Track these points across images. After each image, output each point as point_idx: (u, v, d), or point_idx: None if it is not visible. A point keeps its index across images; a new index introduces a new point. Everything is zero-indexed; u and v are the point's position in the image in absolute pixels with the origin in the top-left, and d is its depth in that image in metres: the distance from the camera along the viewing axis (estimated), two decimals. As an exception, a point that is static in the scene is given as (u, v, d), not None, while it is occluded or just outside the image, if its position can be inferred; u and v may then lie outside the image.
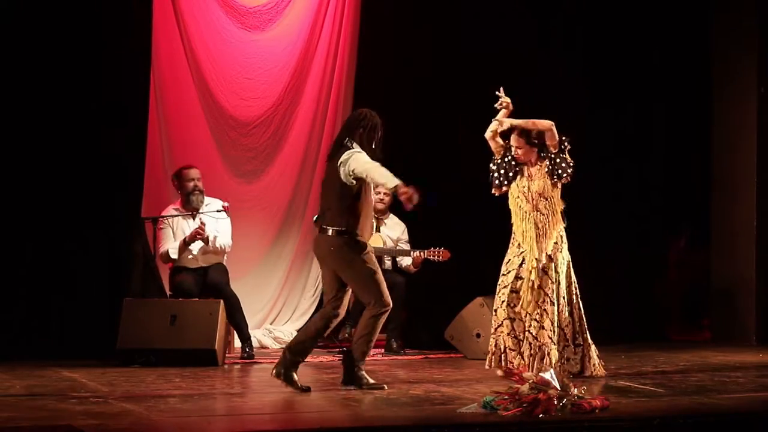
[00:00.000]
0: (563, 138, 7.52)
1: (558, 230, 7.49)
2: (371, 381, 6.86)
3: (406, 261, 9.43)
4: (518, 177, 7.56)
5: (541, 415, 5.59)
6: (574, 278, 7.53)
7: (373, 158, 6.87)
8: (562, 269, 7.39)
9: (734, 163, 10.35)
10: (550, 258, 7.38)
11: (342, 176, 6.77)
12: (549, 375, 5.81)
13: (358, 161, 6.74)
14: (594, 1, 10.48)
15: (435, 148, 10.01)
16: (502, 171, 7.60)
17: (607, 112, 10.52)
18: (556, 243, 7.44)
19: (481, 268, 9.87)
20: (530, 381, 5.77)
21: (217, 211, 8.87)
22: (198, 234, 8.65)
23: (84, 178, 8.70)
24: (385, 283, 6.89)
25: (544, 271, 7.33)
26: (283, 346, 9.60)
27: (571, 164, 7.50)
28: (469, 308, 9.03)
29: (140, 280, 8.75)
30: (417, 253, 9.23)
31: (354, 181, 6.77)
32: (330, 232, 6.80)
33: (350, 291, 6.99)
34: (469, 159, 9.95)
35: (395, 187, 6.61)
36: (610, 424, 5.63)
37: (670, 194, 10.76)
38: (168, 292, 8.81)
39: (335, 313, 6.91)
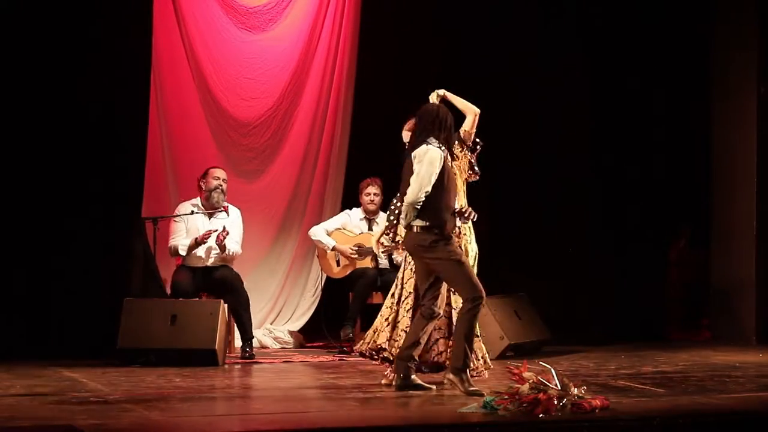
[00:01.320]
0: (477, 140, 7.25)
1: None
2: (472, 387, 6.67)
3: (400, 257, 9.42)
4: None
5: (541, 415, 5.59)
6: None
7: (451, 155, 6.86)
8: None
9: (734, 163, 10.35)
10: None
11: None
12: (549, 375, 5.81)
13: (419, 167, 6.65)
14: (595, 1, 10.48)
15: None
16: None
17: (607, 112, 10.53)
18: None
19: (481, 268, 9.90)
20: (530, 381, 5.77)
21: (218, 211, 8.89)
22: (217, 240, 8.69)
23: (84, 178, 8.70)
24: (474, 271, 6.83)
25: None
26: (284, 346, 9.65)
27: (475, 166, 7.24)
28: (469, 308, 9.02)
29: (140, 280, 8.76)
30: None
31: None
32: (416, 229, 6.69)
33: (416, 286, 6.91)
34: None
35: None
36: (610, 424, 5.63)
37: (670, 194, 10.76)
38: (168, 292, 8.82)
39: (432, 310, 6.79)
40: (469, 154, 7.25)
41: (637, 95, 10.58)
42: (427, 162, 6.64)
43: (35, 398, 6.38)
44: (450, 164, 6.85)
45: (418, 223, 6.69)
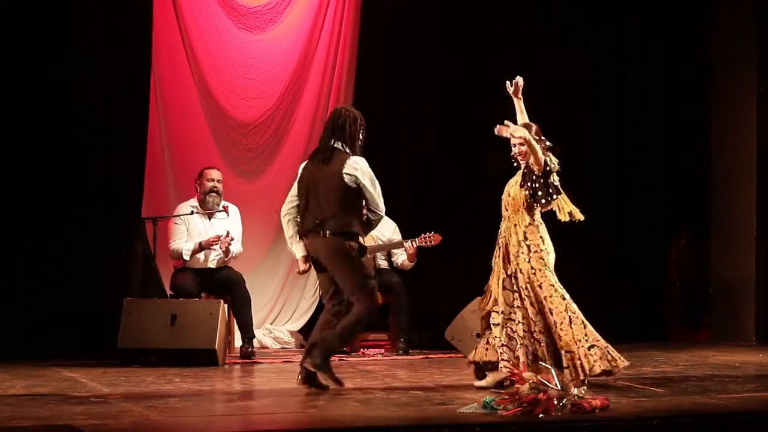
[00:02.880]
0: (548, 166, 7.05)
1: (522, 238, 7.06)
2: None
3: (401, 258, 9.42)
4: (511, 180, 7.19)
5: (541, 415, 5.59)
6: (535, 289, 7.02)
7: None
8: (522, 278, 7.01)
9: (734, 163, 10.36)
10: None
11: (347, 181, 6.65)
12: (549, 375, 5.81)
13: (366, 178, 6.66)
14: (595, 1, 10.48)
15: (435, 148, 10.02)
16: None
17: (607, 112, 10.53)
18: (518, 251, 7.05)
19: (481, 268, 9.89)
20: (530, 381, 5.77)
21: (218, 211, 8.91)
22: (222, 246, 8.71)
23: (84, 178, 8.70)
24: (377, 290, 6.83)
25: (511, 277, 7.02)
26: (284, 346, 9.65)
27: (550, 196, 7.05)
28: (469, 308, 9.02)
29: (140, 280, 8.76)
30: (408, 243, 9.21)
31: (356, 186, 6.69)
32: (335, 236, 6.66)
33: None
34: (469, 158, 9.98)
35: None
36: (610, 424, 5.62)
37: (670, 194, 10.76)
38: (168, 292, 8.83)
39: (336, 312, 6.81)
40: (532, 183, 7.06)
41: (637, 95, 10.57)
42: (369, 173, 6.66)
43: (35, 398, 6.38)
44: None
45: (337, 231, 6.65)
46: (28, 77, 8.58)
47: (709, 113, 10.59)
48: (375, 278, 6.89)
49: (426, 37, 9.98)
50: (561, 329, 6.72)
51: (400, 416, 5.82)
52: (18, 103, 8.58)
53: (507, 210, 7.11)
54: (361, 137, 6.80)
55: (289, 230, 6.88)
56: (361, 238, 6.73)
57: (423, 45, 9.95)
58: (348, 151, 6.71)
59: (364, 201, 6.72)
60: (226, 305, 8.49)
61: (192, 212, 8.87)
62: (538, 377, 5.79)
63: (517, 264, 6.98)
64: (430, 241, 9.20)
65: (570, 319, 6.78)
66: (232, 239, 8.79)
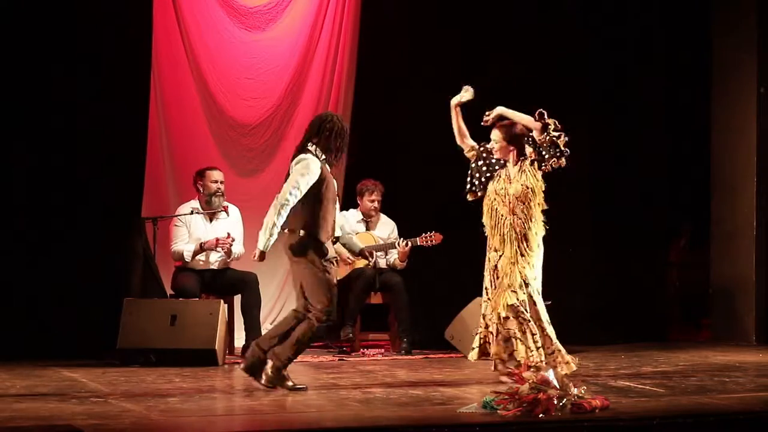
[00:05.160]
0: (554, 134, 7.21)
1: (534, 236, 7.20)
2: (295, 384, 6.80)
3: (392, 257, 9.43)
4: (495, 179, 7.34)
5: (541, 415, 5.59)
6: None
7: (330, 165, 6.87)
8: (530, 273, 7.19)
9: (734, 163, 10.35)
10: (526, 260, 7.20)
11: None
12: (549, 375, 5.81)
13: (292, 177, 6.75)
14: (595, 1, 10.48)
15: (435, 148, 10.01)
16: (477, 175, 7.40)
17: (607, 111, 10.52)
18: (527, 248, 7.18)
19: (481, 268, 9.88)
20: (530, 381, 5.77)
21: (218, 211, 8.91)
22: (223, 247, 8.71)
23: (84, 178, 8.70)
24: (336, 297, 6.83)
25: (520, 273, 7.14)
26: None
27: (560, 151, 7.18)
28: (469, 308, 9.03)
29: (140, 280, 8.76)
30: (401, 243, 9.21)
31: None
32: (288, 233, 6.79)
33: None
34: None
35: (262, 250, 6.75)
36: (610, 424, 5.62)
37: (670, 194, 10.76)
38: (169, 292, 8.83)
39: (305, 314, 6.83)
40: (538, 149, 7.19)
41: (637, 95, 10.57)
42: (301, 166, 6.74)
43: (35, 398, 6.38)
44: (330, 175, 6.87)
45: (295, 228, 6.75)
46: (28, 77, 8.58)
47: (709, 113, 10.59)
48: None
49: (426, 36, 9.97)
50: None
51: (400, 416, 5.82)
52: (18, 103, 8.57)
53: (506, 207, 7.16)
54: (336, 146, 6.88)
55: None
56: (314, 238, 6.73)
57: (423, 45, 9.95)
58: (315, 153, 6.79)
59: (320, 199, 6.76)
60: (226, 305, 8.49)
61: (192, 212, 8.87)
62: (538, 377, 5.79)
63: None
64: (431, 241, 9.20)
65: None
66: (233, 240, 8.81)
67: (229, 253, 8.84)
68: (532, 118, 7.22)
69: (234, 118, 9.83)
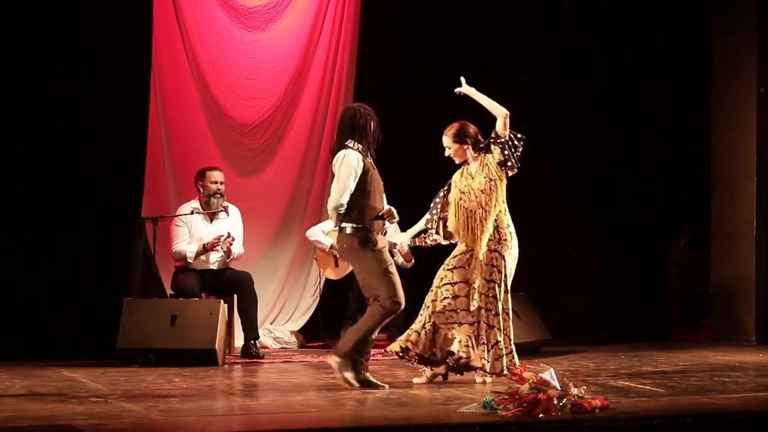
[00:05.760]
0: (517, 134, 7.25)
1: (505, 227, 7.23)
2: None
3: (400, 259, 9.42)
4: (458, 179, 7.37)
5: (541, 415, 5.59)
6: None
7: (371, 156, 6.92)
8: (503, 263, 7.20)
9: (734, 163, 10.35)
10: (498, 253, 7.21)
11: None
12: (549, 375, 5.81)
13: (338, 173, 6.78)
14: (595, 2, 10.48)
15: (435, 148, 10.01)
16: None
17: (607, 111, 10.53)
18: (500, 239, 7.20)
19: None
20: (530, 381, 5.77)
21: (218, 211, 8.92)
22: (224, 247, 8.72)
23: (84, 178, 8.70)
24: (399, 282, 6.87)
25: (492, 266, 7.17)
26: (284, 346, 9.66)
27: (518, 155, 7.22)
28: (469, 308, 9.02)
29: (140, 280, 8.76)
30: (400, 244, 9.19)
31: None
32: (344, 230, 6.84)
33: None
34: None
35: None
36: (610, 424, 5.63)
37: (670, 194, 10.76)
38: (169, 292, 8.83)
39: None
40: (504, 150, 7.21)
41: (637, 95, 10.57)
42: (345, 166, 6.76)
43: (35, 398, 6.38)
44: (372, 166, 6.92)
45: (346, 226, 6.80)
46: (27, 77, 8.58)
47: (709, 113, 10.59)
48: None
49: (426, 36, 9.98)
50: None
51: (400, 416, 5.82)
52: (18, 103, 8.57)
53: (474, 201, 7.22)
54: (374, 136, 6.96)
55: None
56: (365, 231, 6.79)
57: (423, 45, 9.95)
58: (353, 146, 6.84)
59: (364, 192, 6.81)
60: (226, 305, 8.49)
61: (192, 212, 8.88)
62: (538, 377, 5.79)
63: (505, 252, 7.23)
64: (434, 241, 9.18)
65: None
66: (233, 240, 8.81)
67: (228, 253, 8.85)
68: (499, 106, 7.22)
69: (234, 118, 9.83)
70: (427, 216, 7.50)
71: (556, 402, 5.67)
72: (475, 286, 7.14)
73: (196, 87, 9.68)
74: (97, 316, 8.50)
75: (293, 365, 8.46)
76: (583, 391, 5.84)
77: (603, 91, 10.44)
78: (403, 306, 6.88)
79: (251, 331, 8.71)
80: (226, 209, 8.97)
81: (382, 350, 9.31)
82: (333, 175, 6.88)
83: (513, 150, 7.24)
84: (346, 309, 9.27)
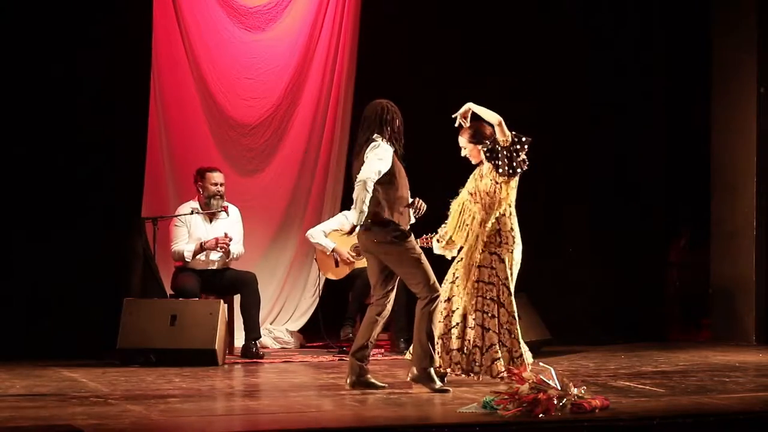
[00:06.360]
0: (521, 136, 7.21)
1: (509, 231, 7.22)
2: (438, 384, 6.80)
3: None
4: (469, 181, 7.37)
5: (541, 415, 5.59)
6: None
7: (399, 152, 6.90)
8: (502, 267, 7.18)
9: (734, 163, 10.35)
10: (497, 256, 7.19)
11: None
12: (549, 375, 5.81)
13: (370, 161, 6.72)
14: (595, 2, 10.48)
15: (435, 148, 10.01)
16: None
17: (607, 112, 10.53)
18: (500, 242, 7.19)
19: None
20: (530, 381, 5.77)
21: (218, 211, 8.92)
22: (221, 247, 8.72)
23: (84, 178, 8.70)
24: (431, 270, 6.87)
25: (491, 268, 7.15)
26: (284, 346, 9.66)
27: (520, 159, 7.15)
28: (469, 308, 9.02)
29: (140, 280, 8.76)
30: None
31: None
32: (370, 226, 6.77)
33: (389, 286, 6.93)
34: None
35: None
36: (610, 424, 5.63)
37: (670, 194, 10.75)
38: (169, 292, 8.83)
39: (384, 307, 6.90)
40: (494, 156, 7.20)
41: (637, 95, 10.57)
42: (380, 150, 6.73)
43: (35, 398, 6.39)
44: (399, 162, 6.90)
45: (375, 219, 6.75)
46: (28, 77, 8.58)
47: (709, 113, 10.59)
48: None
49: (426, 36, 9.98)
50: None
51: (400, 416, 5.82)
52: (18, 103, 8.57)
53: (478, 203, 7.20)
54: (401, 132, 6.96)
55: None
56: (397, 225, 6.77)
57: (423, 44, 9.95)
58: (381, 140, 6.81)
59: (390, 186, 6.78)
60: (226, 305, 8.49)
61: (192, 212, 8.88)
62: (538, 377, 5.79)
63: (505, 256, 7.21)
64: (429, 243, 9.18)
65: None
66: (230, 240, 8.80)
67: (227, 253, 8.84)
68: (492, 114, 7.17)
69: (234, 118, 9.83)
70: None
71: (556, 402, 5.67)
72: (456, 283, 7.12)
73: (196, 87, 9.68)
74: (97, 316, 8.50)
75: (293, 365, 8.46)
76: (583, 391, 5.84)
77: (603, 91, 10.44)
78: (440, 292, 6.84)
79: (252, 330, 8.71)
80: (225, 209, 8.97)
81: (382, 350, 9.33)
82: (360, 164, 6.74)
83: (513, 154, 7.16)
84: (346, 309, 9.27)
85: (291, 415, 5.96)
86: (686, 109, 10.92)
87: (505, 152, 7.16)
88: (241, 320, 8.86)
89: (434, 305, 6.80)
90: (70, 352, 8.28)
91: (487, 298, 7.09)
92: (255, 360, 8.54)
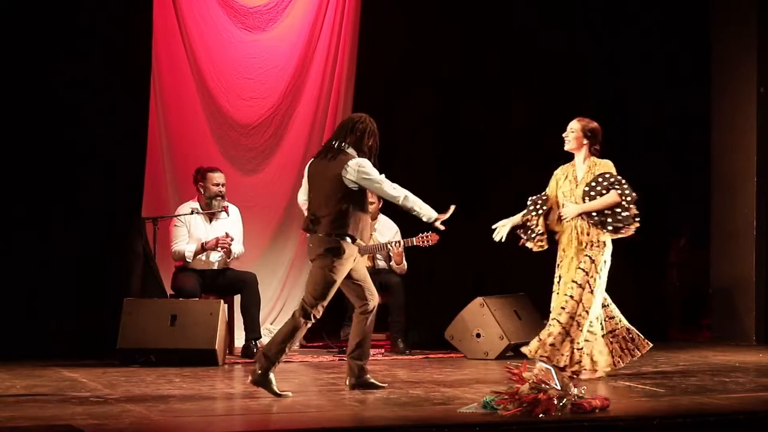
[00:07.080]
0: (628, 197, 7.62)
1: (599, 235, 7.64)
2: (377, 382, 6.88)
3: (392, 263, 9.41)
4: (561, 178, 7.63)
5: (541, 415, 5.59)
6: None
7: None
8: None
9: (734, 163, 10.36)
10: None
11: (346, 182, 6.64)
12: (549, 375, 5.81)
13: (369, 176, 6.68)
14: (595, 2, 10.48)
15: (435, 148, 10.02)
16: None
17: (607, 112, 10.51)
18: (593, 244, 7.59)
19: (481, 268, 9.89)
20: (530, 381, 5.77)
21: (218, 211, 8.92)
22: (222, 247, 8.72)
23: (84, 178, 8.70)
24: (371, 283, 6.88)
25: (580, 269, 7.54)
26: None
27: (631, 218, 7.68)
28: (469, 308, 9.04)
29: (140, 280, 8.76)
30: (395, 243, 9.19)
31: (357, 187, 6.68)
32: (328, 235, 6.65)
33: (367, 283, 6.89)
34: (469, 159, 9.98)
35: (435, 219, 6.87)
36: (610, 424, 5.63)
37: (670, 194, 10.75)
38: (169, 292, 8.83)
39: (365, 308, 6.89)
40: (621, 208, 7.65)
41: (636, 95, 10.56)
42: (369, 168, 6.68)
43: (35, 398, 6.39)
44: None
45: (335, 230, 6.63)
46: (28, 77, 8.58)
47: (709, 113, 10.59)
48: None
49: (426, 36, 9.97)
50: None
51: (400, 416, 5.82)
52: (18, 103, 8.57)
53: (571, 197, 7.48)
54: (370, 144, 6.85)
55: None
56: (349, 240, 6.67)
57: (423, 45, 9.95)
58: (353, 153, 6.73)
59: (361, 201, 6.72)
60: (226, 305, 8.49)
61: (192, 212, 8.88)
62: (538, 377, 5.79)
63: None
64: (428, 241, 9.18)
65: None
66: (231, 240, 8.81)
67: (228, 252, 8.85)
68: (613, 198, 7.57)
69: (234, 118, 9.83)
70: (525, 212, 7.59)
71: (556, 402, 5.67)
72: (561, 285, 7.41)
73: (196, 87, 9.68)
74: (97, 316, 8.50)
75: (293, 365, 8.45)
76: (583, 391, 5.84)
77: (603, 91, 10.42)
78: (312, 321, 6.73)
79: (252, 330, 8.71)
80: (226, 209, 8.97)
81: (382, 350, 9.33)
82: (335, 181, 6.66)
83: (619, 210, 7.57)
84: (346, 309, 9.26)
85: (291, 415, 5.96)
86: (686, 109, 10.91)
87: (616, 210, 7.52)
88: (242, 320, 8.86)
89: (308, 324, 6.71)
90: (70, 352, 8.29)
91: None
92: (254, 360, 8.53)
